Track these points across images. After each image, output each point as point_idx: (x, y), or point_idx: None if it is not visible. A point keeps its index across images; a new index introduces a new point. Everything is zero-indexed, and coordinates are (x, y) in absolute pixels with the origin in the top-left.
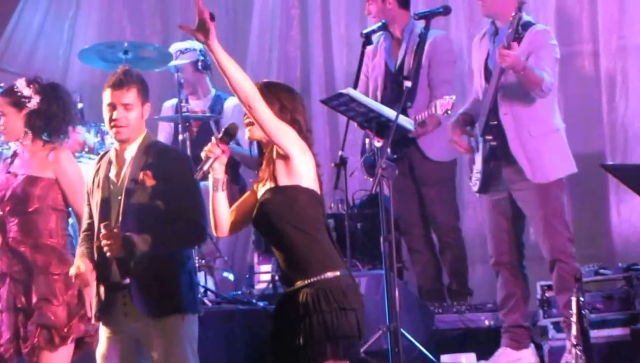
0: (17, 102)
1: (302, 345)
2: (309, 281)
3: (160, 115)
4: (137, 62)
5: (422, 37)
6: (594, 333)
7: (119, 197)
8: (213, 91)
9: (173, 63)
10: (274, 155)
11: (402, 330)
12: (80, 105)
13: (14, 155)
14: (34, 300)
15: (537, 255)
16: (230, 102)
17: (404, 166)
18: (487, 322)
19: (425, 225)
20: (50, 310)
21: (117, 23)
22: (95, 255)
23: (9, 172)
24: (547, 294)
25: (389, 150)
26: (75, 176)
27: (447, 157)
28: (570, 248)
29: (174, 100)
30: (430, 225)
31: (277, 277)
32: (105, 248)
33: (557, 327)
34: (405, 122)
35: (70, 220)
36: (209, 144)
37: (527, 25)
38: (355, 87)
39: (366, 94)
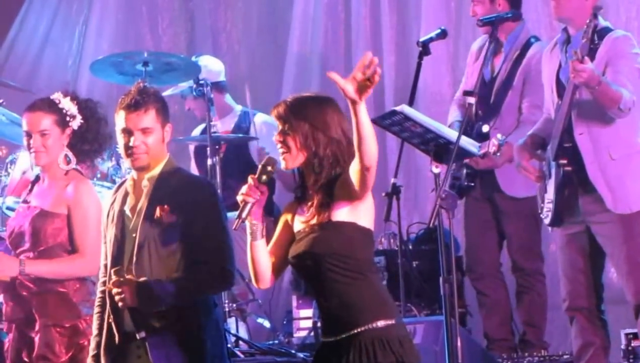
0: (62, 120)
1: None
2: (361, 329)
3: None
4: (159, 75)
5: (525, 47)
6: None
7: (134, 235)
8: (238, 108)
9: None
10: (333, 189)
11: None
12: None
13: (36, 180)
14: (34, 354)
15: (619, 298)
16: (259, 118)
17: (481, 196)
18: None
19: (498, 265)
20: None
21: (135, 30)
22: (108, 301)
23: (25, 201)
24: (632, 344)
25: (463, 176)
26: (91, 212)
27: (527, 192)
28: None
29: (202, 125)
30: (510, 265)
31: (319, 324)
32: (117, 298)
33: None
34: (469, 145)
35: None
36: (246, 187)
37: (604, 32)
38: (410, 103)
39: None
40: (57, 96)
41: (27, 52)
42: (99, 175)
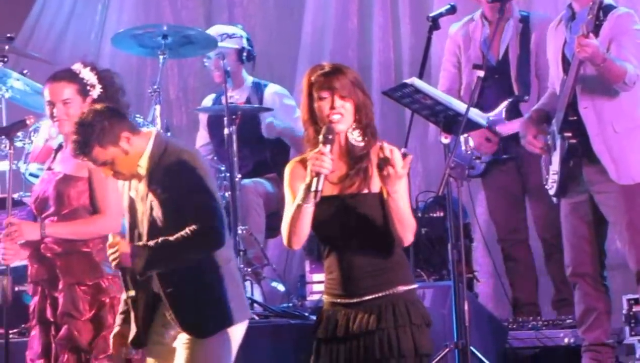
0: (83, 89)
1: (387, 357)
2: (390, 292)
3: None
4: (178, 48)
5: (523, 22)
6: None
7: (143, 219)
8: (250, 79)
9: (221, 45)
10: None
11: (471, 347)
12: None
13: (59, 148)
14: (59, 312)
15: (622, 264)
16: (270, 89)
17: (512, 167)
18: (566, 340)
19: (526, 232)
20: (74, 327)
21: (155, 4)
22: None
23: (49, 168)
24: (634, 309)
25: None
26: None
27: None
28: None
29: (213, 95)
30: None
31: None
32: (111, 258)
33: None
34: (478, 116)
35: None
36: (315, 157)
37: (608, 9)
38: (420, 76)
39: (457, 89)
40: (77, 67)
41: (52, 26)
42: None
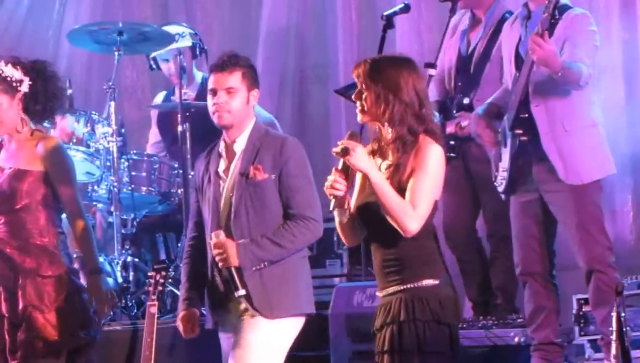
0: (10, 87)
1: (390, 352)
2: (405, 287)
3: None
4: (134, 44)
5: (502, 22)
6: (636, 354)
7: (230, 194)
8: (199, 75)
9: (175, 46)
10: (409, 153)
11: None
12: (69, 92)
13: (0, 146)
14: (20, 306)
15: (571, 264)
16: None
17: (459, 166)
18: (516, 339)
19: (475, 232)
20: (39, 318)
21: (110, 3)
22: (209, 257)
23: None
24: (583, 309)
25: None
26: (67, 168)
27: None
28: (610, 257)
29: (164, 92)
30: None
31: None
32: (218, 258)
33: (595, 346)
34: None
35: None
36: (331, 178)
37: (564, 9)
38: None
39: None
40: (1, 65)
41: (10, 24)
42: (74, 140)
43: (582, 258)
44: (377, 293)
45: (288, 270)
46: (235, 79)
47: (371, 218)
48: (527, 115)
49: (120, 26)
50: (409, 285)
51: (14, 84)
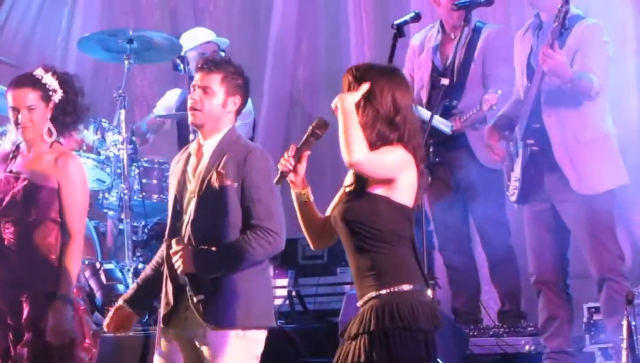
0: (46, 95)
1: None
2: (376, 294)
3: (160, 104)
4: (143, 52)
5: (475, 31)
6: None
7: (192, 196)
8: None
9: (214, 38)
10: None
11: None
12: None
13: (16, 150)
14: (24, 317)
15: (583, 273)
16: None
17: (445, 173)
18: (527, 347)
19: (467, 240)
20: (44, 332)
21: (120, 9)
22: (165, 265)
23: (10, 171)
24: (594, 317)
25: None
26: (79, 189)
27: (496, 165)
28: (621, 266)
29: (178, 90)
30: (481, 240)
31: (294, 293)
32: (176, 265)
33: (606, 354)
34: (441, 123)
35: None
36: (286, 154)
37: (575, 20)
38: None
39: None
40: (39, 72)
41: (19, 30)
42: (84, 148)
43: (594, 267)
44: (357, 304)
45: (243, 282)
46: (213, 80)
47: (343, 229)
48: (538, 125)
49: (130, 34)
50: (382, 292)
51: (50, 93)
